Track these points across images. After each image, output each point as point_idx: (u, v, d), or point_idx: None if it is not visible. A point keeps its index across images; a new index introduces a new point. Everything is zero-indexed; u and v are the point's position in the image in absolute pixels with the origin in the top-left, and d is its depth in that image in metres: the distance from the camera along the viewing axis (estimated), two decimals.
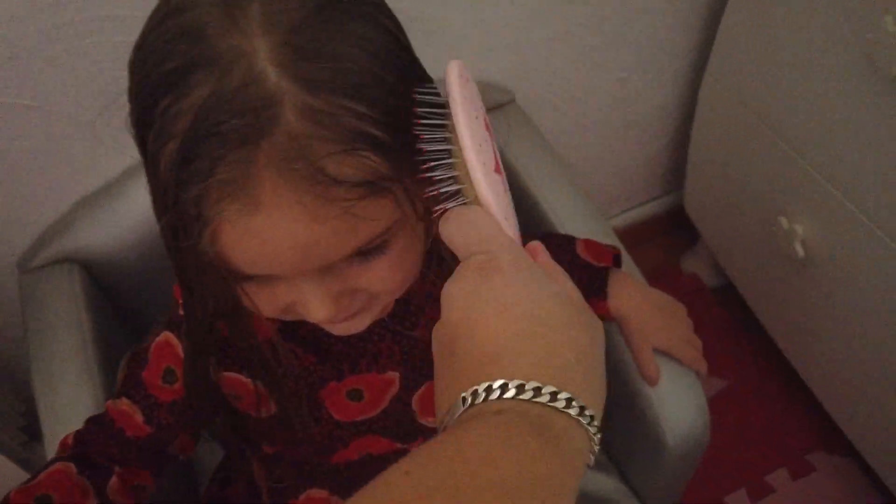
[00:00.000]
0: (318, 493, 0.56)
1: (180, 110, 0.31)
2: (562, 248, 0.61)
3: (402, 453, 0.55)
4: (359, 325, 0.41)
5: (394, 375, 0.51)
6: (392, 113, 0.33)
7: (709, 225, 1.05)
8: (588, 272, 0.60)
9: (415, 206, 0.36)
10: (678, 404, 0.62)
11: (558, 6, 0.76)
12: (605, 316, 0.60)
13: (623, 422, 0.68)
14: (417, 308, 0.50)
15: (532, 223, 0.72)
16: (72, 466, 0.45)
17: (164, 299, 0.53)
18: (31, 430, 0.76)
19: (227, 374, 0.48)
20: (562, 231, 0.69)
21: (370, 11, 0.34)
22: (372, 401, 0.51)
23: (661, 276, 1.16)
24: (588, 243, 0.62)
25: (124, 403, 0.48)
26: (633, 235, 1.17)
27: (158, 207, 0.35)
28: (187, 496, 0.73)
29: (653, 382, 0.59)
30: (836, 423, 0.90)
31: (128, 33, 0.57)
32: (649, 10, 0.83)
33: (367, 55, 0.33)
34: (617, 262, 0.62)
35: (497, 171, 0.34)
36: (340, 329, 0.40)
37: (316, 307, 0.36)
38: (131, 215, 0.66)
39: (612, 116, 0.95)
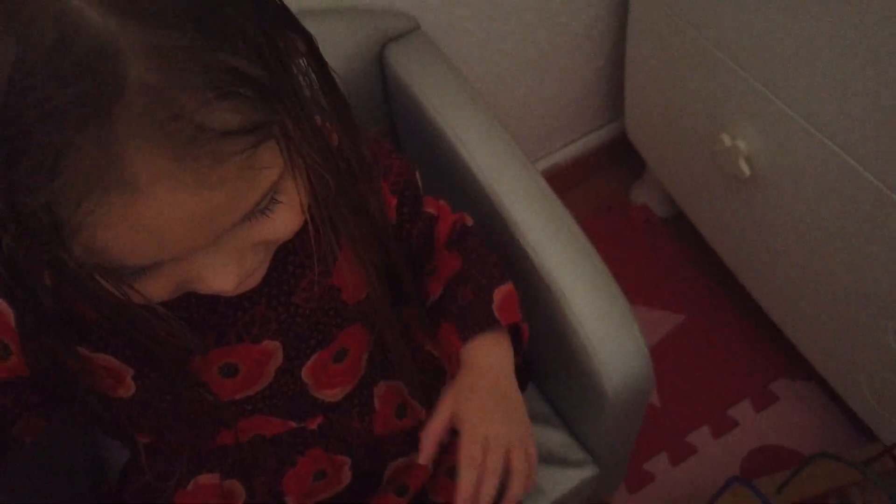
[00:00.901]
0: (207, 478, 0.49)
1: None
2: (482, 288, 0.50)
3: (297, 435, 0.49)
4: (253, 281, 0.35)
5: (273, 345, 0.44)
6: (249, 36, 0.26)
7: (653, 151, 0.99)
8: (480, 307, 0.49)
9: (294, 141, 0.29)
10: (617, 354, 0.56)
11: None
12: (453, 348, 0.49)
13: (565, 375, 0.62)
14: (296, 269, 0.43)
15: (449, 169, 0.65)
16: None
17: None
18: None
19: (81, 349, 0.41)
20: (482, 175, 0.61)
21: None
22: (250, 375, 0.44)
23: (610, 209, 1.10)
24: (508, 298, 0.51)
25: None
26: (577, 169, 1.10)
27: None
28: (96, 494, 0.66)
29: (426, 458, 0.44)
30: (796, 346, 0.86)
31: None
32: None
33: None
34: (515, 332, 0.51)
35: None
36: (233, 293, 0.33)
37: (220, 278, 0.31)
38: None
39: (537, 38, 0.86)
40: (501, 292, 0.50)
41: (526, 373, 0.67)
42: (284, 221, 0.32)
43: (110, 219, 0.25)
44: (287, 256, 0.43)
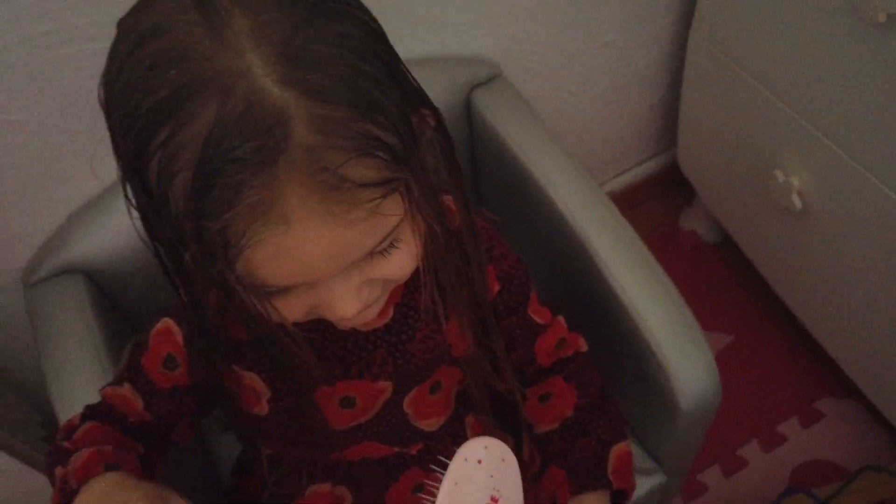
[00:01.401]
0: (320, 487, 0.57)
1: (184, 141, 0.30)
2: (602, 443, 0.54)
3: (400, 457, 0.56)
4: (371, 314, 0.42)
5: (386, 385, 0.51)
6: (389, 111, 0.33)
7: (704, 182, 1.06)
8: (596, 466, 0.53)
9: (415, 196, 0.36)
10: (689, 369, 0.62)
11: None
12: (559, 494, 0.53)
13: (637, 389, 0.68)
14: (414, 322, 0.50)
15: (528, 197, 0.72)
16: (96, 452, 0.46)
17: (168, 302, 0.53)
18: (52, 440, 0.77)
19: (234, 367, 0.49)
20: (564, 207, 0.68)
21: (350, 10, 0.34)
22: (364, 408, 0.52)
23: (660, 235, 1.16)
24: (624, 459, 0.54)
25: (126, 389, 0.49)
26: (629, 197, 1.17)
27: (174, 234, 0.34)
28: (209, 484, 0.74)
29: None
30: (842, 368, 0.92)
31: (106, 39, 0.56)
32: None
33: (357, 56, 0.32)
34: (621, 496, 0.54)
35: None
36: (354, 322, 0.41)
37: (343, 305, 0.37)
38: (128, 221, 0.66)
39: (601, 80, 0.94)
40: (617, 453, 0.53)
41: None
42: (399, 264, 0.38)
43: (266, 244, 0.32)
44: (408, 312, 0.50)
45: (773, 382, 0.99)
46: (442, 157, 0.41)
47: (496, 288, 0.52)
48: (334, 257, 0.34)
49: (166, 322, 0.49)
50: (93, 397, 0.60)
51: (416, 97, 0.38)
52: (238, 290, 0.35)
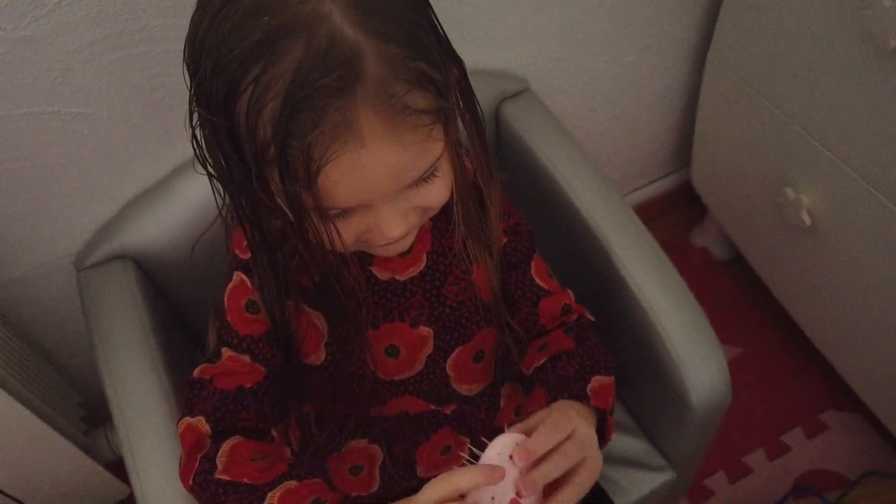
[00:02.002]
0: (357, 443, 0.61)
1: (276, 74, 0.36)
2: (584, 367, 0.56)
3: (434, 415, 0.60)
4: (406, 244, 0.48)
5: (426, 331, 0.55)
6: (434, 55, 0.40)
7: (716, 199, 1.10)
8: (575, 383, 0.54)
9: (450, 132, 0.43)
10: (701, 366, 0.66)
11: None
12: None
13: (650, 386, 0.72)
14: (446, 268, 0.55)
15: (554, 204, 0.76)
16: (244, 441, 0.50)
17: (212, 290, 0.57)
18: (90, 420, 0.81)
19: (302, 305, 0.52)
20: (580, 205, 0.73)
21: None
22: (408, 359, 0.56)
23: (671, 250, 1.20)
24: (606, 388, 0.55)
25: (228, 355, 0.52)
26: (643, 212, 1.20)
27: (256, 161, 0.39)
28: None
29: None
30: (847, 381, 0.95)
31: (172, 42, 0.61)
32: None
33: (410, 9, 0.39)
34: (600, 416, 0.54)
35: None
36: (392, 248, 0.46)
37: (391, 227, 0.43)
38: (179, 212, 0.70)
39: (621, 99, 0.99)
40: (600, 381, 0.54)
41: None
42: (437, 193, 0.45)
43: (342, 161, 0.38)
44: (438, 258, 0.54)
45: (780, 394, 1.03)
46: (463, 106, 0.47)
47: (504, 240, 0.57)
48: (394, 176, 0.40)
49: (238, 276, 0.52)
50: (140, 376, 0.63)
51: (448, 48, 0.44)
52: (308, 214, 0.41)
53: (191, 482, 0.50)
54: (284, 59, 0.36)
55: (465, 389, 0.59)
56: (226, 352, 0.52)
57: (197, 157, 0.45)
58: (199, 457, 0.50)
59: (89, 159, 0.67)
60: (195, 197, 0.70)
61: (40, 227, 0.70)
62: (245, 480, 0.48)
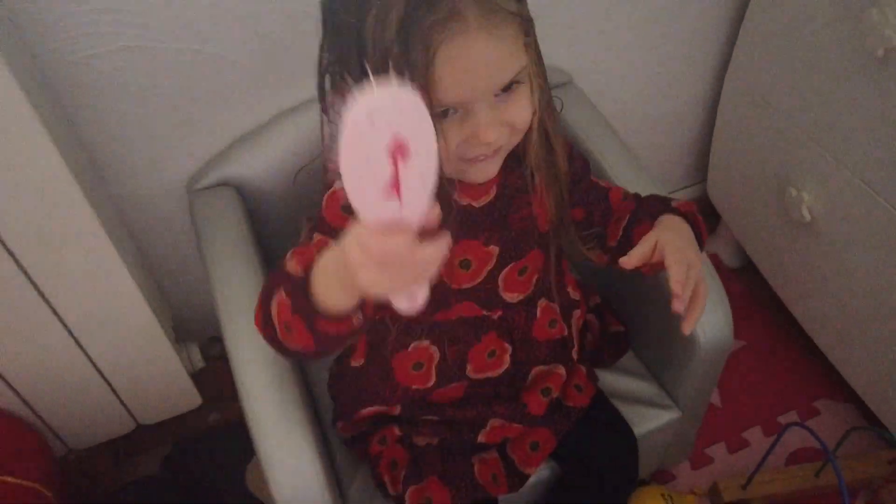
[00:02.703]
0: (421, 343, 0.72)
1: None
2: (657, 198, 0.73)
3: (485, 319, 0.72)
4: (495, 168, 0.60)
5: (494, 249, 0.68)
6: (519, 4, 0.54)
7: (729, 207, 1.22)
8: (662, 205, 0.70)
9: (532, 52, 0.56)
10: (710, 311, 0.78)
11: (614, 6, 0.95)
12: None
13: (663, 334, 0.84)
14: (509, 199, 0.67)
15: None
16: None
17: (295, 218, 0.68)
18: (179, 333, 0.93)
19: None
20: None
21: None
22: (477, 271, 0.68)
23: None
24: (687, 204, 0.70)
25: (319, 238, 0.62)
26: None
27: (377, 59, 0.51)
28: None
29: (676, 293, 0.60)
30: (839, 370, 1.05)
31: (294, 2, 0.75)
32: (685, 13, 1.02)
33: None
34: (692, 211, 0.70)
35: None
36: (485, 169, 0.59)
37: (486, 131, 0.55)
38: (278, 151, 0.85)
39: (648, 108, 1.13)
40: (679, 203, 0.70)
41: (626, 340, 0.90)
42: (521, 109, 0.56)
43: (451, 46, 0.50)
44: (505, 192, 0.66)
45: (779, 381, 1.13)
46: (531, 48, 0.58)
47: (564, 169, 0.68)
48: (491, 68, 0.53)
49: (334, 190, 0.65)
50: (245, 281, 0.76)
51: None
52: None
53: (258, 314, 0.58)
54: None
55: (509, 297, 0.71)
56: (317, 236, 0.63)
57: (319, 87, 0.59)
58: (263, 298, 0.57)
59: (210, 96, 0.82)
60: (290, 140, 0.85)
61: (160, 152, 0.84)
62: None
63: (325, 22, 0.57)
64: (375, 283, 0.41)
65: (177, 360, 0.89)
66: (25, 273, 0.72)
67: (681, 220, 0.67)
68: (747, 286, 1.26)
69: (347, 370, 0.78)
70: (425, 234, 0.41)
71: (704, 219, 0.70)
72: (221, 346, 0.98)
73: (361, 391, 0.75)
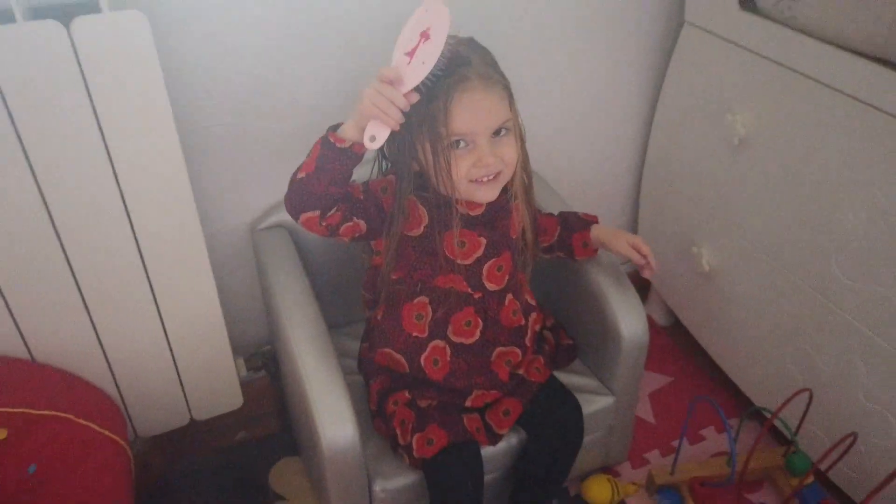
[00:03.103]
0: (422, 299, 1.00)
1: (448, 85, 0.84)
2: (571, 213, 1.12)
3: (468, 296, 1.02)
4: (493, 191, 0.92)
5: (483, 240, 0.98)
6: (504, 78, 0.89)
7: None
8: (581, 219, 1.10)
9: (513, 110, 0.90)
10: (628, 311, 1.09)
11: (561, 97, 1.34)
12: (588, 242, 1.08)
13: (596, 332, 1.14)
14: (495, 212, 0.99)
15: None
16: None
17: (327, 256, 1.01)
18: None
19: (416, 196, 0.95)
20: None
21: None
22: (469, 251, 0.98)
23: None
24: (586, 214, 1.12)
25: (357, 183, 0.93)
26: None
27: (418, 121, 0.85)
28: None
29: (641, 247, 1.05)
30: (747, 395, 1.35)
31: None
32: (611, 111, 1.41)
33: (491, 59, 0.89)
34: (596, 221, 1.11)
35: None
36: (487, 191, 0.91)
37: (488, 156, 0.87)
38: None
39: (582, 179, 1.49)
40: (588, 216, 1.11)
41: (574, 350, 1.20)
42: (510, 149, 0.88)
43: (461, 102, 0.83)
44: (491, 208, 0.97)
45: (699, 404, 1.41)
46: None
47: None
48: (488, 113, 0.86)
49: (389, 177, 0.95)
50: (299, 293, 1.05)
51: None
52: (441, 147, 0.85)
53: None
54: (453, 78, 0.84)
55: (489, 285, 1.01)
56: (357, 183, 0.93)
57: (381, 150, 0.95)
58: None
59: (273, 160, 1.15)
60: None
61: (236, 200, 1.16)
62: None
63: None
64: (369, 101, 0.78)
65: (233, 365, 1.16)
66: (149, 279, 1.01)
67: (598, 226, 1.10)
68: (674, 338, 1.58)
69: (374, 325, 1.06)
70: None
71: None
72: (261, 360, 1.26)
73: (382, 338, 1.04)
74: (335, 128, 0.86)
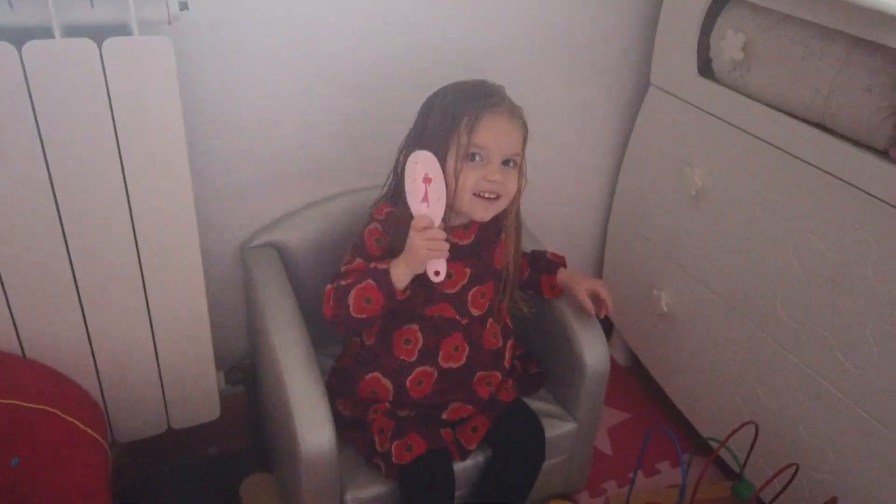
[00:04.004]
0: (412, 327, 1.07)
1: (467, 107, 0.97)
2: (541, 253, 1.21)
3: (455, 322, 1.10)
4: (491, 211, 1.01)
5: (468, 270, 1.07)
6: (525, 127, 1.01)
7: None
8: (549, 262, 1.20)
9: (524, 146, 1.02)
10: (592, 342, 1.18)
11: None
12: (555, 284, 1.18)
13: (562, 361, 1.22)
14: (482, 244, 1.08)
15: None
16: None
17: (311, 273, 1.10)
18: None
19: None
20: None
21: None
22: (455, 281, 1.06)
23: None
24: (554, 254, 1.22)
25: (358, 261, 1.01)
26: None
27: (444, 129, 0.97)
28: None
29: (600, 292, 1.16)
30: (699, 431, 1.43)
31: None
32: (581, 172, 1.53)
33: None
34: (564, 263, 1.21)
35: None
36: (486, 209, 1.00)
37: (495, 173, 0.97)
38: (308, 227, 1.25)
39: (550, 229, 1.60)
40: (557, 257, 1.21)
41: (541, 378, 1.27)
42: (512, 180, 1.00)
43: (486, 122, 0.96)
44: (479, 239, 1.06)
45: (654, 439, 1.49)
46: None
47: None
48: (506, 136, 0.97)
49: (374, 224, 1.03)
50: (286, 307, 1.12)
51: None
52: (459, 153, 0.97)
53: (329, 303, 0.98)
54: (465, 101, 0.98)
55: (473, 311, 1.09)
56: (357, 261, 1.02)
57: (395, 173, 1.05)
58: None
59: (267, 186, 1.23)
60: (317, 220, 1.26)
61: (230, 219, 1.23)
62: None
63: (418, 120, 1.03)
64: (423, 248, 0.92)
65: (214, 377, 1.21)
66: (144, 287, 1.06)
67: (564, 270, 1.18)
68: (633, 377, 1.66)
69: (362, 348, 1.11)
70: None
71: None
72: (240, 374, 1.31)
73: (371, 360, 1.09)
74: (379, 277, 0.97)
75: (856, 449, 1.09)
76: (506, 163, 1.00)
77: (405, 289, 0.98)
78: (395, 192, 1.03)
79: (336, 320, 0.99)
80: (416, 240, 0.93)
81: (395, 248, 1.01)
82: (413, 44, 1.22)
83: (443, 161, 0.97)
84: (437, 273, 0.95)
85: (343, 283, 0.99)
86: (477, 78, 1.03)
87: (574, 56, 1.40)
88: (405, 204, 0.98)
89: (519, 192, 1.04)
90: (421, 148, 0.97)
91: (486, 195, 1.00)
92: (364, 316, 0.97)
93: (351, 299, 0.97)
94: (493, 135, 0.97)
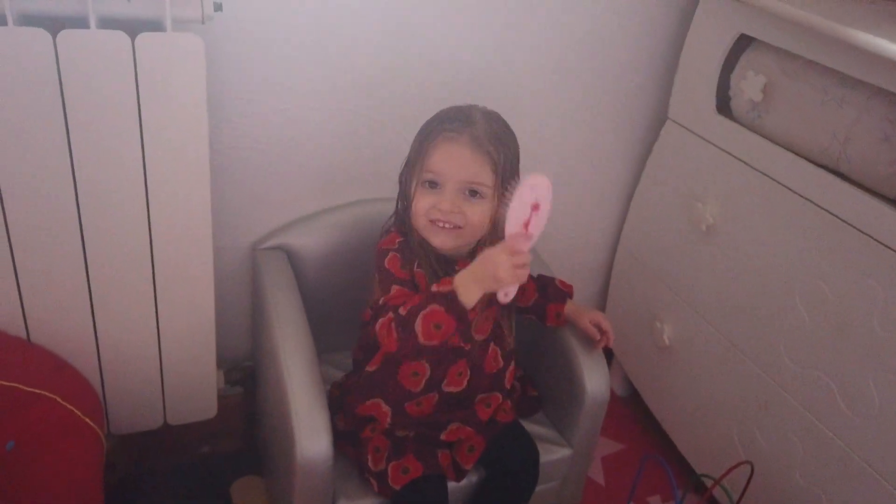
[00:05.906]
0: (420, 361, 1.05)
1: (443, 131, 0.97)
2: (549, 280, 1.21)
3: (460, 350, 1.09)
4: (449, 241, 0.99)
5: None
6: (499, 155, 0.98)
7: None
8: (558, 290, 1.19)
9: (494, 193, 0.98)
10: (594, 369, 1.18)
11: None
12: (561, 313, 1.18)
13: (561, 386, 1.22)
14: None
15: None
16: None
17: (318, 276, 1.10)
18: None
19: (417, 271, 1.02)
20: None
21: (510, 131, 1.02)
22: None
23: None
24: (563, 282, 1.22)
25: (396, 288, 0.98)
26: None
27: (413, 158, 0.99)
28: None
29: (602, 323, 1.16)
30: (693, 466, 1.42)
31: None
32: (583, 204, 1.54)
33: (504, 129, 1.00)
34: (571, 294, 1.21)
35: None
36: (442, 237, 0.99)
37: (445, 202, 0.96)
38: (318, 232, 1.25)
39: (555, 250, 1.60)
40: (565, 285, 1.20)
41: (539, 402, 1.27)
42: (478, 213, 0.96)
43: (441, 148, 0.95)
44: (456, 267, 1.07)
45: (647, 471, 1.49)
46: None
47: None
48: (463, 163, 0.95)
49: (392, 253, 1.01)
50: (294, 311, 1.12)
51: (513, 163, 1.01)
52: (416, 178, 0.97)
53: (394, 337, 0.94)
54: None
55: (477, 336, 1.08)
56: (394, 287, 0.99)
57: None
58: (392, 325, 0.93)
59: (280, 191, 1.24)
60: (328, 226, 1.26)
61: (242, 220, 1.24)
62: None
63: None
64: (509, 270, 0.86)
65: (214, 376, 1.21)
66: (154, 282, 1.07)
67: (572, 302, 1.18)
68: (630, 408, 1.66)
69: (363, 374, 1.10)
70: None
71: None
72: (240, 375, 1.31)
73: (372, 387, 1.08)
74: (445, 301, 0.91)
75: (851, 499, 1.08)
76: (472, 193, 0.97)
77: (474, 307, 0.92)
78: (400, 220, 1.04)
79: (404, 351, 0.95)
80: (504, 261, 0.86)
81: (414, 276, 1.00)
82: (434, 62, 1.24)
83: (408, 185, 0.99)
84: (506, 294, 0.90)
85: (402, 312, 0.92)
86: (487, 100, 1.04)
87: (591, 86, 1.42)
88: (412, 231, 1.01)
89: (494, 223, 0.97)
90: (401, 172, 1.01)
91: (440, 224, 0.98)
92: (436, 342, 0.92)
93: (418, 327, 0.91)
94: (447, 162, 0.95)
